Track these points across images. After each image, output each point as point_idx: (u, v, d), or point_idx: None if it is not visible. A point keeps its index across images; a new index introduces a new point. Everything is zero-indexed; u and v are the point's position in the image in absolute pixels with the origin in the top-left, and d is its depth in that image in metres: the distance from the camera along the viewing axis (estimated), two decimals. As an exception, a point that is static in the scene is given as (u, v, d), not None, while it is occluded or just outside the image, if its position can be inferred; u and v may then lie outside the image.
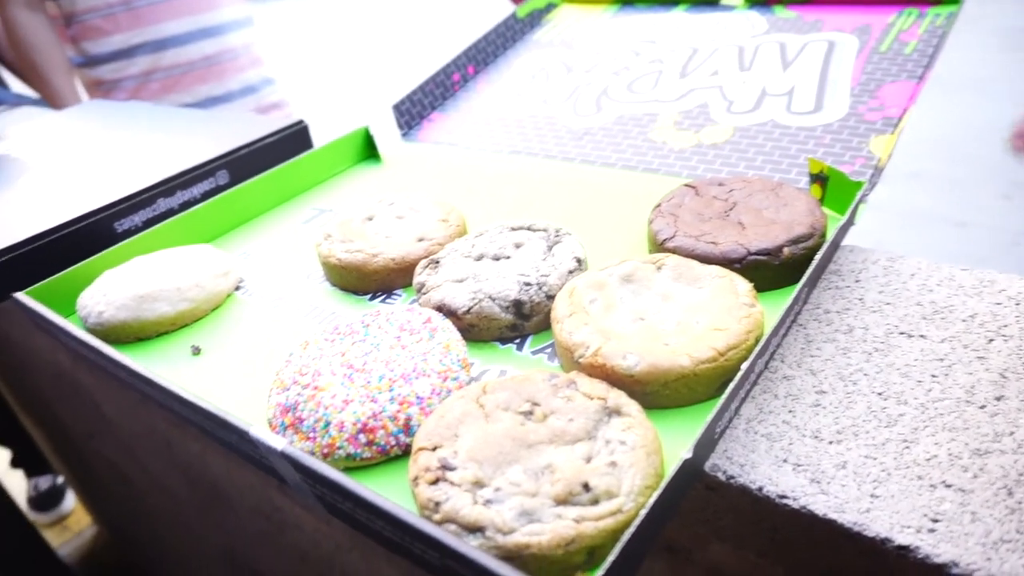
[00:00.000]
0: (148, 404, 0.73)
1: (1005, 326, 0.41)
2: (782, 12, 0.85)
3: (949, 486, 0.32)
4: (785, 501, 0.33)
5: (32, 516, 1.63)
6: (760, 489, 0.34)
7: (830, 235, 0.47)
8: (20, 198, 0.72)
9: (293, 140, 0.82)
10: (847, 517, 0.32)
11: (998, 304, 0.43)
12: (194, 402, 0.37)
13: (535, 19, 0.97)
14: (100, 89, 1.54)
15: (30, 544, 1.25)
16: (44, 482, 1.77)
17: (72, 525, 1.65)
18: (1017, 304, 0.42)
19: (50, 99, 1.43)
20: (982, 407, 0.36)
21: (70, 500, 1.75)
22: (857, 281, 0.47)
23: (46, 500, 1.76)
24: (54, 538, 1.57)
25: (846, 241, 0.52)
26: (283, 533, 0.69)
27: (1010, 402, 0.36)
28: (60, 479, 1.78)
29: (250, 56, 1.64)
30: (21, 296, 0.52)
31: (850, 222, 0.51)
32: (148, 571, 1.39)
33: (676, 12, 0.91)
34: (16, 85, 1.56)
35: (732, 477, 0.35)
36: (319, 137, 0.81)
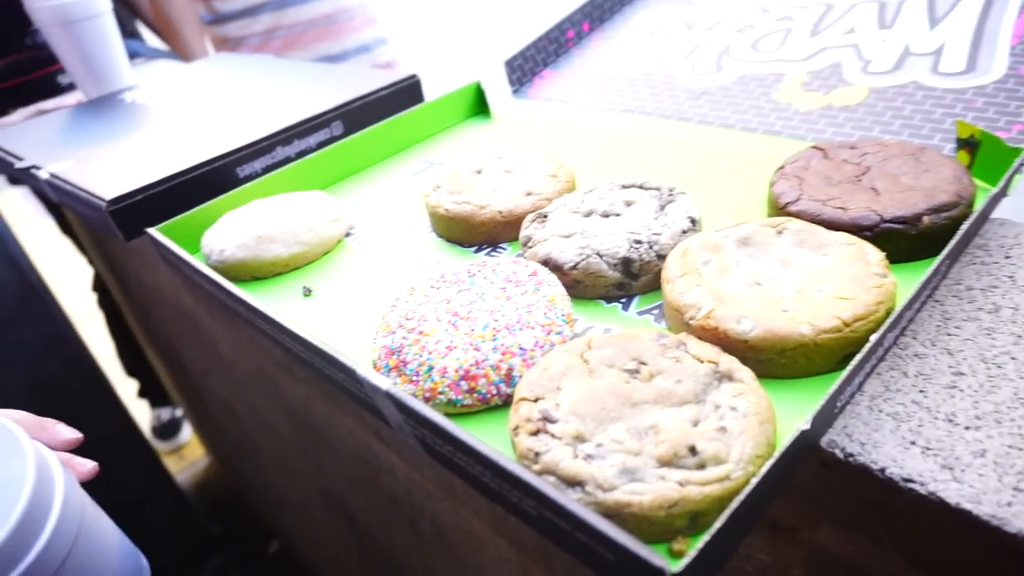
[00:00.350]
0: (259, 346, 0.77)
1: None
2: (933, -36, 0.77)
3: (1109, 485, 0.29)
4: (911, 486, 0.30)
5: (154, 444, 1.77)
6: (883, 471, 0.31)
7: (979, 205, 0.43)
8: (152, 143, 0.76)
9: (406, 94, 0.82)
10: (984, 509, 0.29)
11: None
12: (306, 339, 0.38)
13: (655, -26, 0.93)
14: (226, 46, 1.61)
15: (153, 469, 1.36)
16: (165, 413, 1.91)
17: (188, 455, 1.79)
18: None
19: (181, 53, 1.51)
20: None
21: (187, 432, 1.89)
22: (1007, 257, 0.43)
23: (167, 430, 1.91)
24: (172, 465, 1.70)
25: (997, 214, 0.47)
26: (378, 479, 0.71)
27: None
28: (179, 411, 1.92)
29: (366, 16, 1.67)
30: (153, 231, 0.56)
31: (1003, 192, 0.46)
32: (253, 502, 1.49)
33: (810, -34, 0.84)
34: (152, 40, 1.66)
35: (851, 455, 0.32)
36: (431, 93, 0.81)
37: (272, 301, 0.51)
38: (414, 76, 0.83)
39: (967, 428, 0.32)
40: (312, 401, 0.73)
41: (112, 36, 0.98)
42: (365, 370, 0.36)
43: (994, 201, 0.45)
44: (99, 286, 1.62)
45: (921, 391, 0.35)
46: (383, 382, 0.35)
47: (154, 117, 0.85)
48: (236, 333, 0.82)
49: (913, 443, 0.32)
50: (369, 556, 0.97)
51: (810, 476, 0.35)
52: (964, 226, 0.40)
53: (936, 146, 0.54)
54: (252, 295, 0.51)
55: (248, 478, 1.41)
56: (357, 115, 0.78)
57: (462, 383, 0.37)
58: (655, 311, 0.43)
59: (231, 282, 0.51)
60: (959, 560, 0.31)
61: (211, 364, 1.08)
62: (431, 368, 0.38)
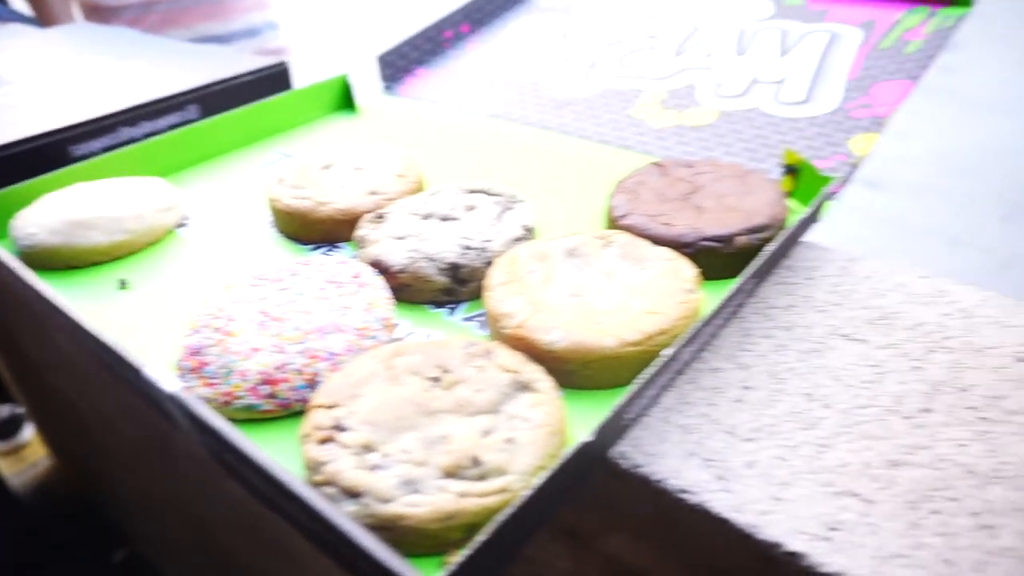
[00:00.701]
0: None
1: (949, 338, 0.39)
2: (789, -2, 0.82)
3: (855, 495, 0.31)
4: (684, 495, 0.32)
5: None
6: (660, 481, 0.32)
7: (787, 228, 0.46)
8: (-18, 113, 0.70)
9: (272, 81, 0.79)
10: (743, 518, 0.30)
11: (946, 315, 0.41)
12: (91, 332, 0.36)
13: (537, -18, 0.94)
14: (98, 15, 1.51)
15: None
16: (4, 410, 1.77)
17: (28, 456, 1.66)
18: (967, 317, 0.41)
19: (42, 18, 1.41)
20: (907, 418, 0.34)
21: (28, 431, 1.75)
22: (809, 279, 0.45)
23: (5, 428, 1.76)
24: (8, 466, 1.57)
25: (812, 238, 0.50)
26: (218, 481, 0.68)
27: (936, 415, 0.34)
28: (20, 409, 1.78)
29: (255, -3, 1.59)
30: (-45, 212, 0.51)
31: (813, 218, 0.49)
32: (99, 507, 1.40)
33: (681, -13, 0.87)
34: (19, 2, 1.53)
35: (637, 466, 0.33)
36: (308, 82, 0.78)
37: (83, 293, 0.48)
38: (282, 64, 0.80)
39: (744, 440, 0.34)
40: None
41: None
42: (153, 370, 0.34)
43: (804, 225, 0.47)
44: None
45: (711, 404, 0.36)
46: (169, 383, 0.33)
47: (-11, 86, 0.78)
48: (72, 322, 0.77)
49: (694, 454, 0.33)
50: (218, 563, 0.92)
51: (601, 486, 0.35)
52: (769, 247, 0.42)
53: (769, 170, 0.57)
54: (61, 286, 0.48)
55: (94, 482, 1.32)
56: (216, 100, 0.75)
57: (262, 387, 0.36)
58: (480, 318, 0.43)
59: (41, 271, 0.48)
60: (727, 568, 0.32)
61: (52, 358, 1.01)
62: (231, 371, 0.36)
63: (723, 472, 0.32)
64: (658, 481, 0.32)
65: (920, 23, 0.73)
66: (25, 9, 1.49)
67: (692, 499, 0.31)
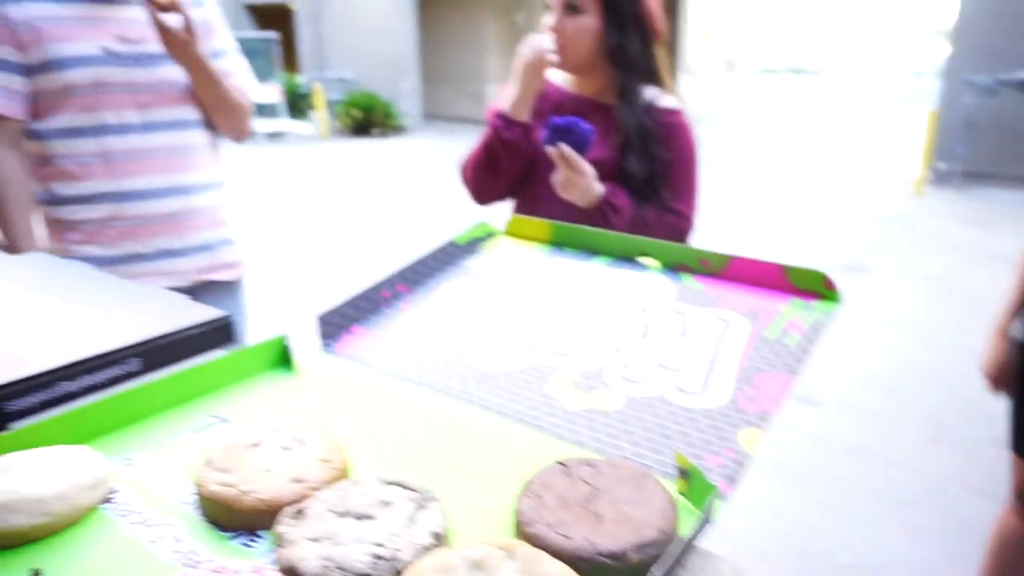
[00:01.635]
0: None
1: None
2: (689, 281, 0.93)
3: None
4: None
5: None
6: None
7: (678, 539, 0.50)
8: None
9: (216, 333, 0.84)
10: None
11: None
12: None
13: (473, 246, 1.05)
14: (58, 227, 1.57)
15: None
16: None
17: None
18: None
19: (6, 234, 1.46)
20: None
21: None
22: (696, 594, 0.49)
23: None
24: None
25: (710, 545, 0.54)
26: None
27: None
28: None
29: (214, 217, 1.70)
30: None
31: (705, 521, 0.54)
32: None
33: (595, 263, 0.99)
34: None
35: None
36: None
37: (-11, 587, 0.47)
38: (227, 317, 0.86)
39: None
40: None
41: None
42: None
43: (698, 530, 0.52)
44: None
45: None
46: None
47: (-68, 325, 0.81)
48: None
49: None
50: None
51: None
52: (657, 566, 0.46)
53: (669, 463, 0.63)
54: (-33, 578, 0.48)
55: None
56: (158, 353, 0.79)
57: None
58: (385, 632, 0.45)
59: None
60: None
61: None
62: None
63: None
64: None
65: (799, 316, 0.84)
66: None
67: None
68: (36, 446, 0.59)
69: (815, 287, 0.88)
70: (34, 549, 0.51)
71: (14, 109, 1.42)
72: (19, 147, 1.46)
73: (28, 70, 1.41)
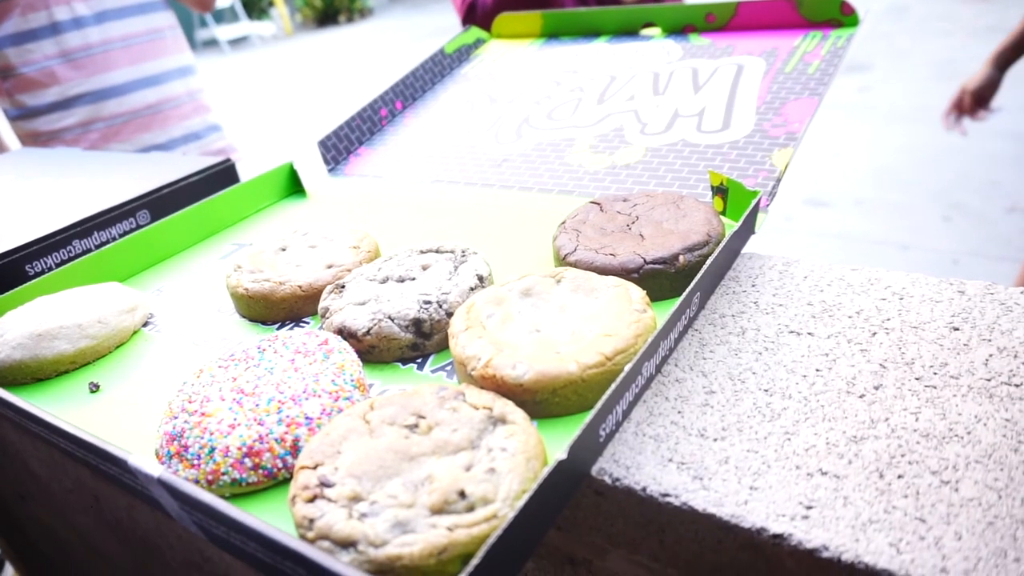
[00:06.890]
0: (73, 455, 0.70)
1: (887, 319, 0.42)
2: (696, 40, 0.88)
3: (825, 473, 0.32)
4: (668, 499, 0.33)
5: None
6: (644, 489, 0.34)
7: (723, 241, 0.48)
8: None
9: (219, 179, 0.81)
10: (725, 510, 0.31)
11: (883, 300, 0.44)
12: (70, 432, 0.36)
13: (463, 55, 0.99)
14: (38, 141, 1.52)
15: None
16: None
17: (10, 599, 1.57)
18: (900, 299, 0.43)
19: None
20: (861, 396, 0.36)
21: (8, 573, 1.67)
22: (753, 286, 0.48)
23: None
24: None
25: (749, 249, 0.53)
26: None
27: (887, 390, 0.37)
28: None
29: (195, 103, 1.63)
30: (-86, 341, 0.51)
31: (748, 230, 0.52)
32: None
33: (597, 43, 0.93)
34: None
35: (618, 479, 0.34)
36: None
37: (53, 402, 0.48)
38: (228, 161, 0.83)
39: (715, 440, 0.36)
40: (136, 509, 0.68)
41: None
42: (137, 459, 0.34)
43: (739, 237, 0.50)
44: None
45: (679, 412, 0.38)
46: (154, 469, 0.33)
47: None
48: (46, 445, 0.75)
49: (670, 460, 0.35)
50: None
51: (590, 506, 0.36)
52: (708, 261, 0.45)
53: (700, 194, 0.61)
54: (31, 399, 0.48)
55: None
56: (166, 202, 0.76)
57: (246, 460, 0.36)
58: (448, 367, 0.45)
59: (9, 388, 0.48)
60: (716, 565, 0.33)
61: (25, 486, 0.98)
62: (213, 449, 0.37)
63: (699, 472, 0.34)
64: (641, 490, 0.34)
65: (816, 46, 0.79)
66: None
67: (675, 501, 0.33)
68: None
69: (831, 15, 0.82)
70: (90, 369, 0.51)
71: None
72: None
73: None
